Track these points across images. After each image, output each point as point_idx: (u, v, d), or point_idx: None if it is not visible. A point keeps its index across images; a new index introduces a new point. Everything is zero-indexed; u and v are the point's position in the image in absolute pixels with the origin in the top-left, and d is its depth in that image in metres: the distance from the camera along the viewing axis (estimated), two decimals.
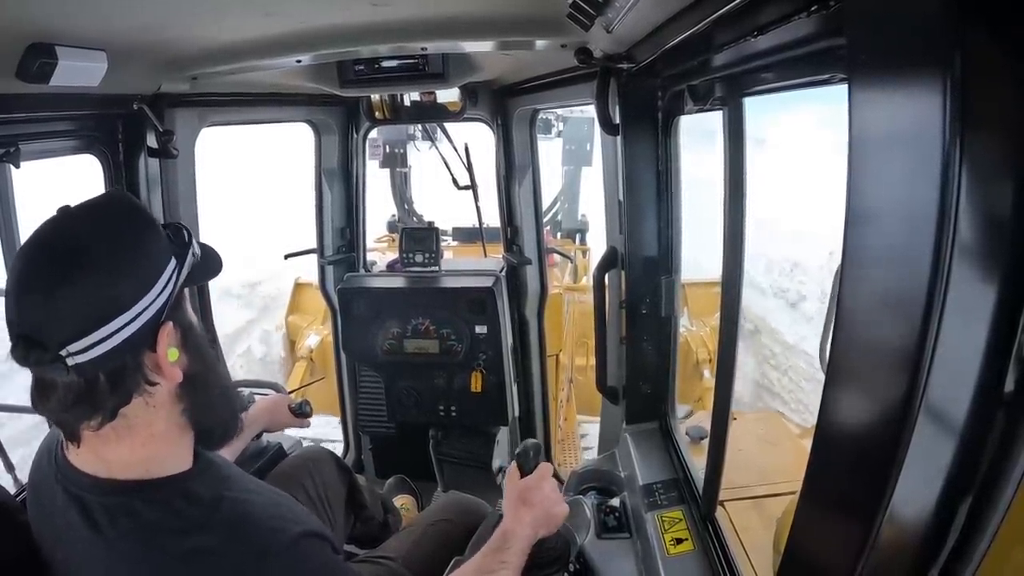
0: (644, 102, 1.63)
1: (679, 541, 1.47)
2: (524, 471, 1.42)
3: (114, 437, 0.93)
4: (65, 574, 1.01)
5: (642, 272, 1.76)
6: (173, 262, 0.95)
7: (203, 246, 1.05)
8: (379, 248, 5.39)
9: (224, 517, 0.95)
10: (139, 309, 0.89)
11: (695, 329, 4.85)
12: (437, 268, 2.74)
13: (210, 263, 1.06)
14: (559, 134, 7.45)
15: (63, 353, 0.85)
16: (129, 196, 1.06)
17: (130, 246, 0.92)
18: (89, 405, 0.89)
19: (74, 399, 0.89)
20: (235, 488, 1.00)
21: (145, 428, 0.95)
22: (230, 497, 0.97)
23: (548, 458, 3.06)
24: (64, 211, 0.93)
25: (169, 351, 0.93)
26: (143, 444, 0.95)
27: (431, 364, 2.66)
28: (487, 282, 2.60)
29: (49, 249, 0.90)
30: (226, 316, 6.72)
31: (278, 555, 0.93)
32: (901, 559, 0.60)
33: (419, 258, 2.75)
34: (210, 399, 1.03)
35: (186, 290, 1.00)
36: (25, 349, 0.85)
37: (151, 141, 1.83)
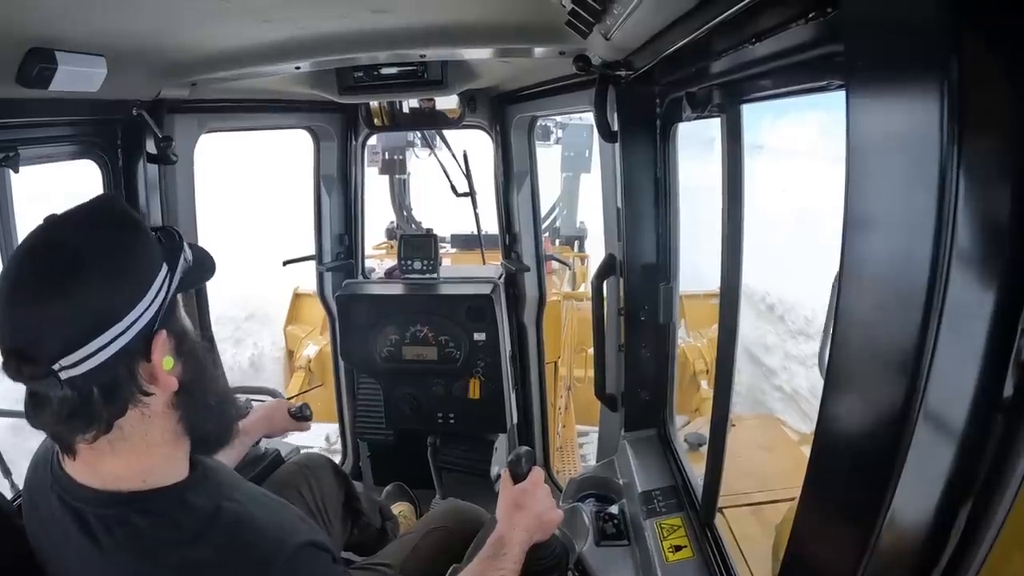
0: (642, 109, 1.63)
1: (678, 548, 1.46)
2: (516, 478, 1.42)
3: (110, 449, 0.92)
4: None
5: (640, 279, 1.76)
6: (165, 268, 0.93)
7: (194, 248, 1.02)
8: (377, 255, 5.39)
9: (222, 527, 0.93)
10: (132, 319, 0.87)
11: (692, 340, 4.85)
12: (435, 275, 2.74)
13: (203, 266, 1.04)
14: (558, 141, 7.45)
15: (56, 368, 0.83)
16: (118, 200, 1.03)
17: (121, 254, 0.90)
18: (84, 418, 0.88)
19: (68, 413, 0.87)
20: (234, 497, 0.99)
21: (141, 438, 0.93)
22: (228, 507, 0.96)
23: (547, 465, 3.06)
24: (51, 219, 0.91)
25: (164, 360, 0.92)
26: (139, 455, 0.94)
27: (429, 371, 2.65)
28: (485, 289, 2.59)
29: (37, 260, 0.88)
30: None
31: (277, 567, 0.92)
32: (901, 565, 0.60)
33: (417, 265, 2.75)
34: (206, 406, 1.01)
35: (179, 295, 0.97)
36: (17, 365, 0.83)
37: (150, 147, 1.83)
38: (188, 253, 0.98)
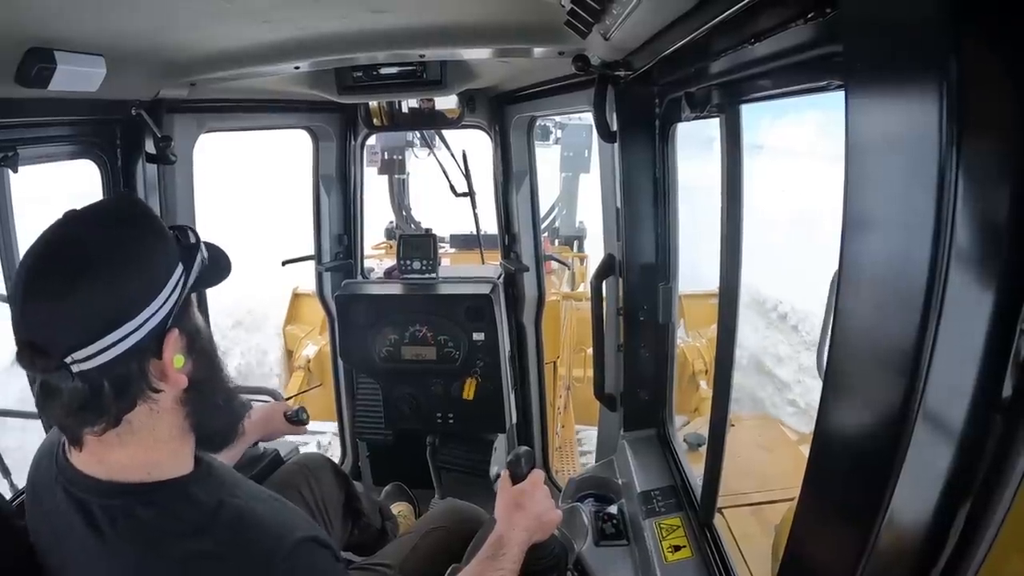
0: (641, 109, 1.64)
1: (677, 548, 1.46)
2: (516, 478, 1.42)
3: (117, 442, 0.92)
4: None
5: (640, 279, 1.76)
6: (180, 267, 0.94)
7: (210, 247, 1.03)
8: (377, 255, 5.39)
9: (225, 521, 0.94)
10: (145, 316, 0.88)
11: (691, 340, 4.86)
12: (435, 275, 2.74)
13: (218, 265, 1.04)
14: (557, 141, 7.46)
15: (68, 360, 0.84)
16: (137, 199, 1.04)
17: (137, 252, 0.91)
18: (93, 411, 0.89)
19: (78, 405, 0.88)
20: (236, 493, 0.99)
21: (148, 433, 0.94)
22: (231, 502, 0.96)
23: (546, 465, 3.06)
24: (70, 215, 0.92)
25: (175, 358, 0.93)
26: (146, 449, 0.95)
27: (428, 371, 2.65)
28: (485, 289, 2.59)
29: (55, 255, 0.89)
30: None
31: (280, 561, 0.92)
32: (900, 565, 0.60)
33: (417, 265, 2.74)
34: (215, 404, 1.02)
35: (193, 294, 0.98)
36: (30, 356, 0.85)
37: (149, 147, 1.83)
38: (204, 252, 0.99)
